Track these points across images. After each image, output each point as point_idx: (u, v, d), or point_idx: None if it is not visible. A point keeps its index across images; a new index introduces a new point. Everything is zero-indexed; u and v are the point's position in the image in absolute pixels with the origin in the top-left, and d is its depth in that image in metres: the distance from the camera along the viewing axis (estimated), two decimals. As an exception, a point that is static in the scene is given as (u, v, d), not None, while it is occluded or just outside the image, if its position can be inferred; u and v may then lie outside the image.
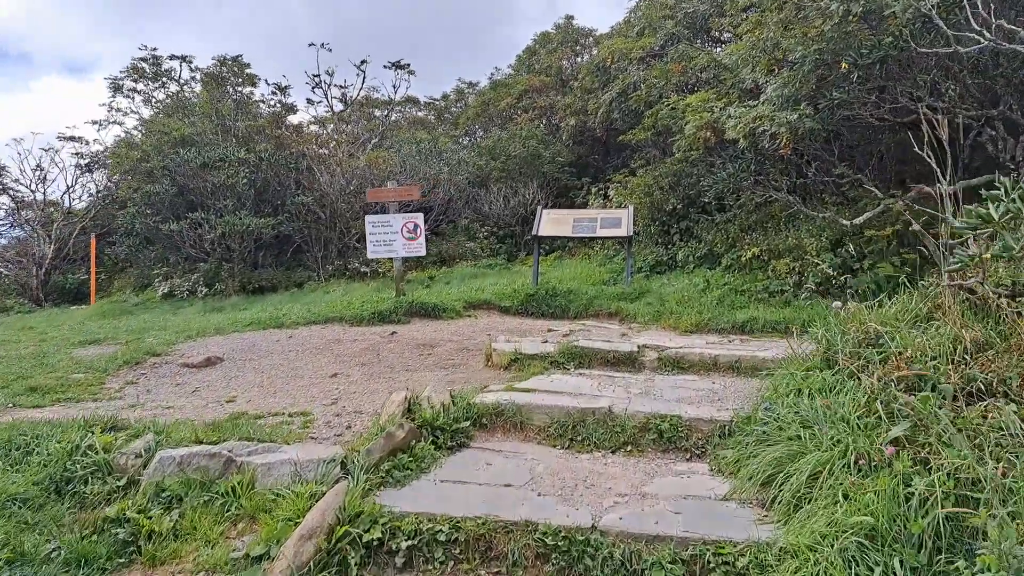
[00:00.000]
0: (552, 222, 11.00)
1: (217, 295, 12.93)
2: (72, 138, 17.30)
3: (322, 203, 14.37)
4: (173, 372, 6.46)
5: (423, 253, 9.54)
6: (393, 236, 9.43)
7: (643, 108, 14.29)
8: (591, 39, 22.79)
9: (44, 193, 17.79)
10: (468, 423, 4.46)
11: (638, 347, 6.53)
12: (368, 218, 9.49)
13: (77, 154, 17.23)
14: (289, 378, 6.23)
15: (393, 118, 29.48)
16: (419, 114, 29.44)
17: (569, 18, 23.36)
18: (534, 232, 10.84)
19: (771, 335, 7.83)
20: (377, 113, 28.60)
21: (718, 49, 15.02)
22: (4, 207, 18.29)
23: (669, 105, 11.06)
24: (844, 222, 8.74)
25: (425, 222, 17.67)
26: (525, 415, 4.63)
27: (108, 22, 53.57)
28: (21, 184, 17.55)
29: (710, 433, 4.33)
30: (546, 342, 7.07)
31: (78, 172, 17.49)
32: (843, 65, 7.77)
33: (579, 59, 23.14)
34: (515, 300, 10.26)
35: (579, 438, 4.45)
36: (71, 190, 17.72)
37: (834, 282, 8.67)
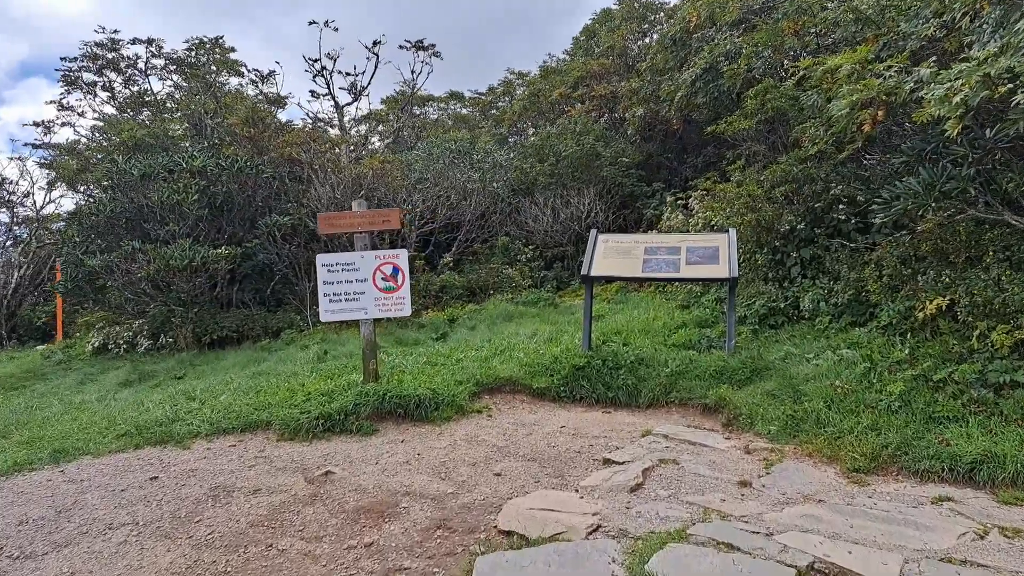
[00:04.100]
0: (612, 254, 7.40)
1: (163, 349, 10.00)
2: (42, 145, 14.89)
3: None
4: None
5: (407, 312, 6.13)
6: (360, 286, 6.07)
7: (740, 88, 10.48)
8: (662, 14, 18.93)
9: (12, 209, 15.49)
10: None
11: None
12: (320, 260, 6.15)
13: (42, 162, 14.79)
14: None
15: (435, 116, 26.46)
16: (464, 111, 26.29)
17: (635, -10, 19.53)
18: (584, 271, 7.26)
19: (1042, 500, 4.02)
20: (417, 111, 25.61)
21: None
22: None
23: (794, 74, 7.22)
24: None
25: (454, 242, 14.42)
26: None
27: (185, 24, 52.96)
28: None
29: None
30: (596, 527, 3.54)
31: (48, 184, 15.09)
32: None
33: (647, 39, 19.33)
34: (556, 376, 6.76)
35: None
36: (43, 206, 15.33)
37: None
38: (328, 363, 8.05)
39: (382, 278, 6.06)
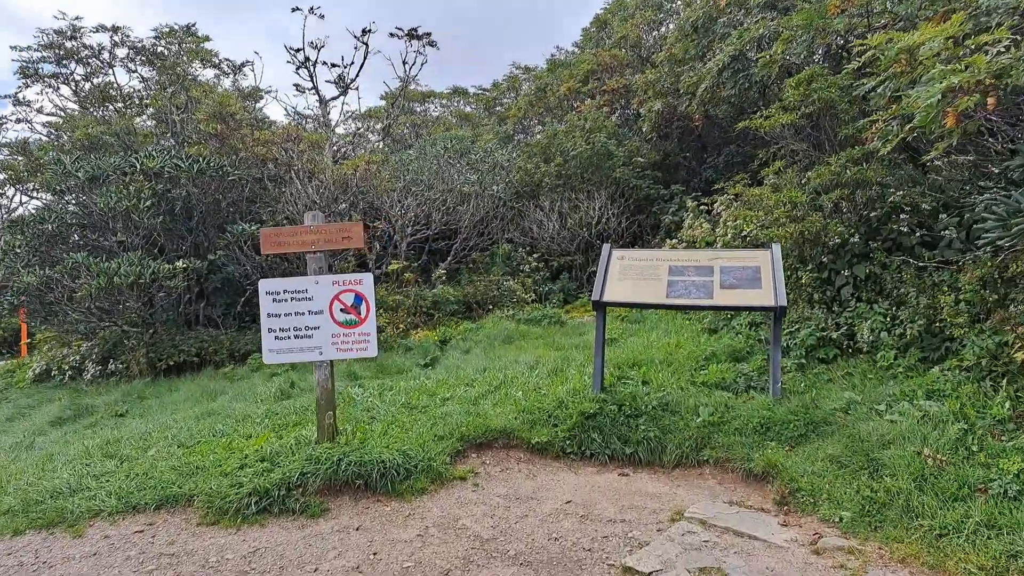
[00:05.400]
0: (630, 274, 6.13)
1: (113, 376, 8.85)
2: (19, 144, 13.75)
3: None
4: None
5: (372, 353, 4.90)
6: (314, 319, 4.85)
7: (774, 77, 9.21)
8: (679, 2, 17.59)
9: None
10: None
11: None
12: (263, 286, 4.95)
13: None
14: None
15: (437, 113, 25.25)
16: (467, 108, 25.08)
17: (650, -22, 18.19)
18: (596, 295, 5.99)
19: None
20: (418, 107, 24.39)
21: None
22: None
23: (860, 53, 5.90)
24: None
25: (450, 251, 13.17)
26: None
27: (185, 20, 51.86)
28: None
29: None
30: None
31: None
32: None
33: (663, 29, 18.03)
34: (560, 427, 5.51)
35: None
36: (15, 207, 14.22)
37: None
38: (291, 400, 6.83)
39: (341, 309, 4.82)
